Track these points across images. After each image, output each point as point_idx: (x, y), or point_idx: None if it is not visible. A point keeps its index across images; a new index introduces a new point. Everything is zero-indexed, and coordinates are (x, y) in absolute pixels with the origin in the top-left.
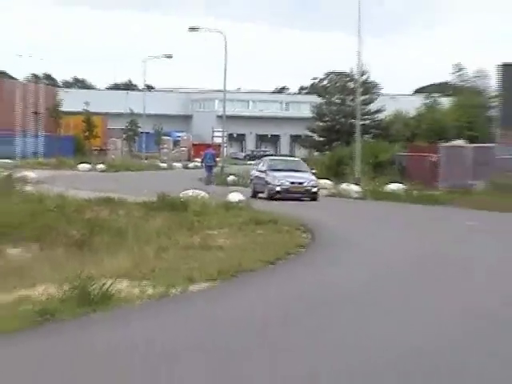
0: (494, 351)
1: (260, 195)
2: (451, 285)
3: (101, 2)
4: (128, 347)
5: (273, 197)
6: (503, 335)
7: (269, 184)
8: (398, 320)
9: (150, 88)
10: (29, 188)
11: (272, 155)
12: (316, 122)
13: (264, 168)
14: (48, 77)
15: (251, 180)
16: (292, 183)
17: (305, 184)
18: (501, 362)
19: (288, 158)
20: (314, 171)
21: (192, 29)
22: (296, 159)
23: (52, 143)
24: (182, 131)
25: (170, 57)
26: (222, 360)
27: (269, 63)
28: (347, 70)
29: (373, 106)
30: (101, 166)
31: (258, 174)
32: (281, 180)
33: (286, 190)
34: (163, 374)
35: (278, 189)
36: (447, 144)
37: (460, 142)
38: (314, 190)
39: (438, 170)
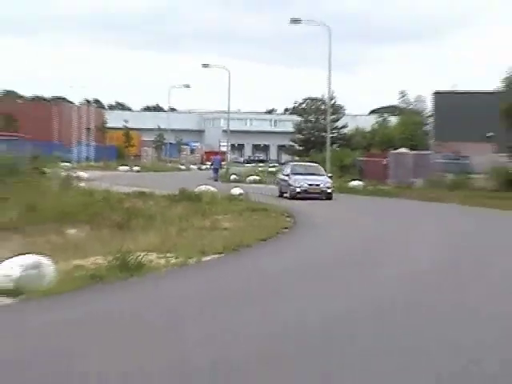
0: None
1: (285, 195)
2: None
3: (135, 44)
4: (158, 301)
5: (294, 197)
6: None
7: (291, 186)
8: (354, 277)
9: (172, 109)
10: (82, 184)
11: (263, 160)
12: (297, 135)
13: (287, 172)
14: (97, 101)
15: (278, 182)
16: (310, 185)
17: (321, 186)
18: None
19: (308, 164)
20: (330, 175)
21: (204, 65)
22: (315, 164)
23: (100, 151)
24: (197, 142)
25: (187, 86)
26: (228, 307)
27: (262, 90)
28: (320, 96)
29: (339, 123)
30: (136, 168)
31: (282, 177)
32: (300, 182)
33: (305, 191)
34: (186, 319)
35: (298, 190)
36: (394, 151)
37: (404, 150)
38: (329, 190)
39: (387, 170)
